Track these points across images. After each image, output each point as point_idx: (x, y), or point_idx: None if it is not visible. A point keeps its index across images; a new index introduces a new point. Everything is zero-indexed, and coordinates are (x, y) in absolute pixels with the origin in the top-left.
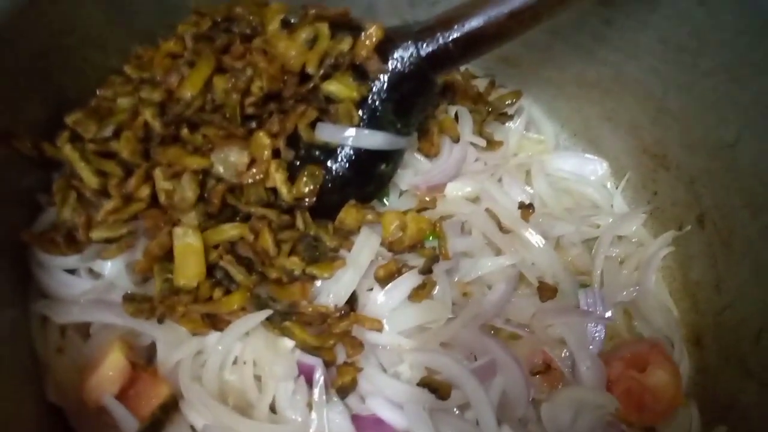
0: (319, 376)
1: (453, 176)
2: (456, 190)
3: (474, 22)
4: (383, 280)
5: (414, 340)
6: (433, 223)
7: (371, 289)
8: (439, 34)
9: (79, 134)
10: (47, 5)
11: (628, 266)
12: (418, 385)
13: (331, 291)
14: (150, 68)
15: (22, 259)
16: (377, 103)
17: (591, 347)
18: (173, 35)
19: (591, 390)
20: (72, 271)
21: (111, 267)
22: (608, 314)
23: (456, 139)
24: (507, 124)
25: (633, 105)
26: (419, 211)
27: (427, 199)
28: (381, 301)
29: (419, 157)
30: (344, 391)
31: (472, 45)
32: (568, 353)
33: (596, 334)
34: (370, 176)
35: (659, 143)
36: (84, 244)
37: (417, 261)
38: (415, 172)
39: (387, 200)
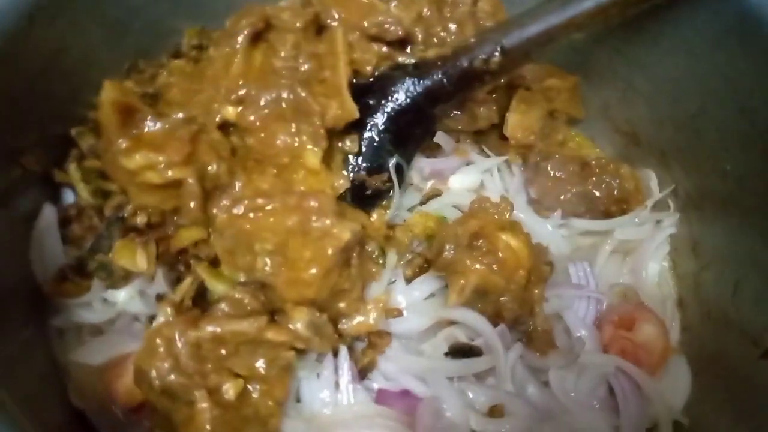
0: (343, 360)
1: (456, 168)
2: (460, 181)
3: (465, 62)
4: (410, 278)
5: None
6: (438, 218)
7: (394, 281)
8: (434, 70)
9: (83, 152)
10: (45, 26)
11: (631, 255)
12: (449, 352)
13: None
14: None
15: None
16: (375, 134)
17: (584, 319)
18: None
19: (589, 354)
20: None
21: (124, 295)
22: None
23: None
24: None
25: (602, 87)
26: (424, 202)
27: (428, 188)
28: (401, 298)
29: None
30: (365, 371)
31: (465, 81)
32: (562, 323)
33: (590, 307)
34: None
35: (628, 122)
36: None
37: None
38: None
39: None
